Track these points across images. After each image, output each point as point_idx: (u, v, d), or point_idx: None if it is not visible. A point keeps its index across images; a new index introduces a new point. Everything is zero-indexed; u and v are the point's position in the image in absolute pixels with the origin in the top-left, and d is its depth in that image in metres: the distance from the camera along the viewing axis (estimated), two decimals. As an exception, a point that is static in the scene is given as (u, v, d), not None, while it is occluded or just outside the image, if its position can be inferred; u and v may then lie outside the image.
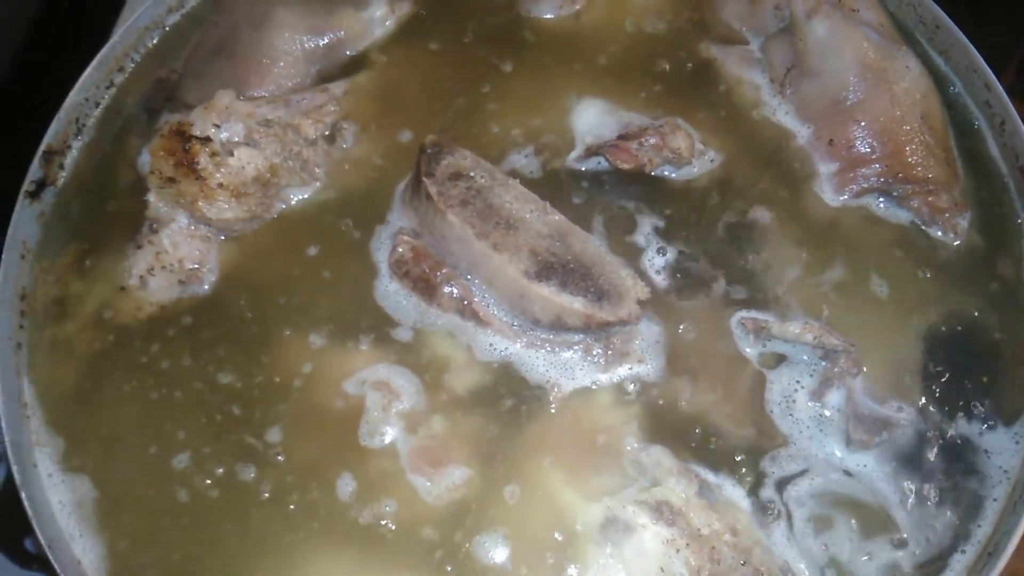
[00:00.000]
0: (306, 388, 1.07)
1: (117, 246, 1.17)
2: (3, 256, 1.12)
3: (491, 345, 1.08)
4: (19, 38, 1.62)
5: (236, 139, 1.12)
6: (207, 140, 1.11)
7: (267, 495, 1.02)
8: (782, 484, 1.01)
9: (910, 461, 1.02)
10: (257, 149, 1.13)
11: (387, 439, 1.04)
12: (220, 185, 1.11)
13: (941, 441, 1.03)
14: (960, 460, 1.03)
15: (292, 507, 1.01)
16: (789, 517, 1.00)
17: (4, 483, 1.33)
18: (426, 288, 1.10)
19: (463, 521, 1.00)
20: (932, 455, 1.02)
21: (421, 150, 1.12)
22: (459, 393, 1.07)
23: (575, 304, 1.04)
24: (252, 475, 1.03)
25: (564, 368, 1.07)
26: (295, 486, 1.02)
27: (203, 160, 1.10)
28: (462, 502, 1.02)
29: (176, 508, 1.02)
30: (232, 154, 1.12)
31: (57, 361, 1.12)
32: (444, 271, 1.09)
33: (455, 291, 1.09)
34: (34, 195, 1.17)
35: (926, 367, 1.06)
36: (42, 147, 1.20)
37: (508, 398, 1.06)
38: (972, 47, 1.20)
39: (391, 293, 1.12)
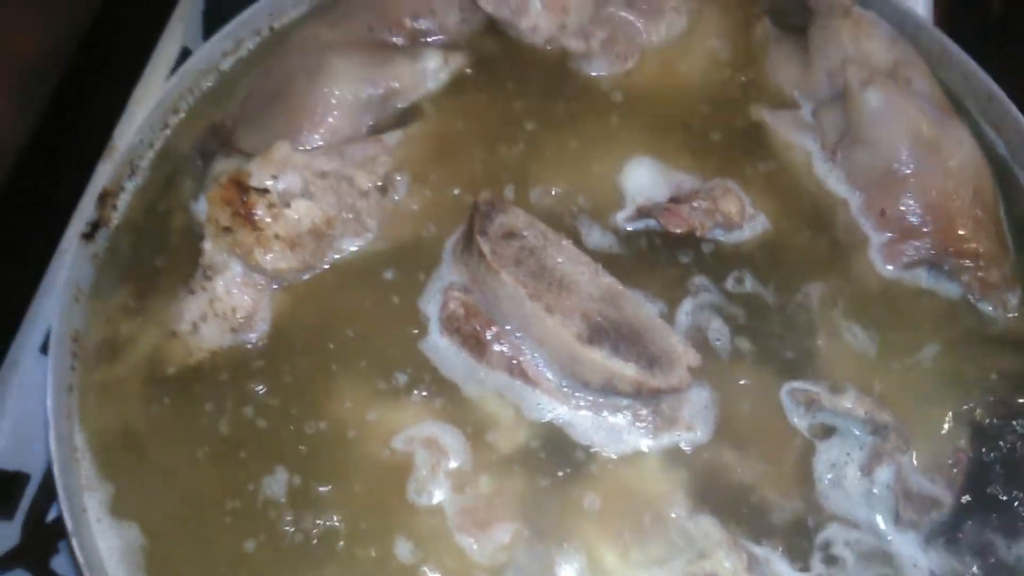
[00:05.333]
0: (356, 441, 1.08)
1: (168, 289, 1.18)
2: (58, 297, 1.12)
3: (539, 405, 1.09)
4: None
5: (293, 191, 1.13)
6: (265, 191, 1.12)
7: (321, 548, 1.02)
8: (830, 559, 1.01)
9: (959, 542, 1.02)
10: (313, 201, 1.14)
11: (435, 498, 1.04)
12: (276, 236, 1.12)
13: (989, 522, 1.02)
14: (1010, 543, 1.02)
15: (347, 561, 1.01)
16: (836, 593, 1.00)
17: (30, 508, 1.34)
18: (476, 345, 1.11)
19: (509, 585, 1.00)
20: (980, 537, 1.02)
21: (475, 207, 1.13)
22: (506, 453, 1.07)
23: (627, 370, 1.04)
24: (304, 527, 1.04)
25: (612, 432, 1.07)
26: (348, 540, 1.03)
27: (261, 211, 1.11)
28: (507, 564, 1.02)
29: (227, 558, 1.02)
30: (289, 206, 1.12)
31: (107, 404, 1.12)
32: (495, 329, 1.10)
33: (505, 349, 1.09)
34: (88, 236, 1.18)
35: (974, 446, 1.06)
36: (98, 189, 1.21)
37: (554, 460, 1.07)
38: (1024, 120, 1.20)
39: (441, 348, 1.12)
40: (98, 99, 1.63)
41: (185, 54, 1.60)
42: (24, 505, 1.35)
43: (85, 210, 1.19)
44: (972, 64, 1.25)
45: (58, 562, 1.29)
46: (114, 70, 1.66)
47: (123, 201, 1.24)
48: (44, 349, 1.26)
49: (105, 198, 1.21)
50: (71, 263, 1.15)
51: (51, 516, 1.32)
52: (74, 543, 1.00)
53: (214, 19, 1.61)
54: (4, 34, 1.53)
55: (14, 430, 1.38)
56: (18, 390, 1.40)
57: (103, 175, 1.22)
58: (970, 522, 1.02)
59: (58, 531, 1.26)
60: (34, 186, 1.55)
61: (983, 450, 1.06)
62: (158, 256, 1.21)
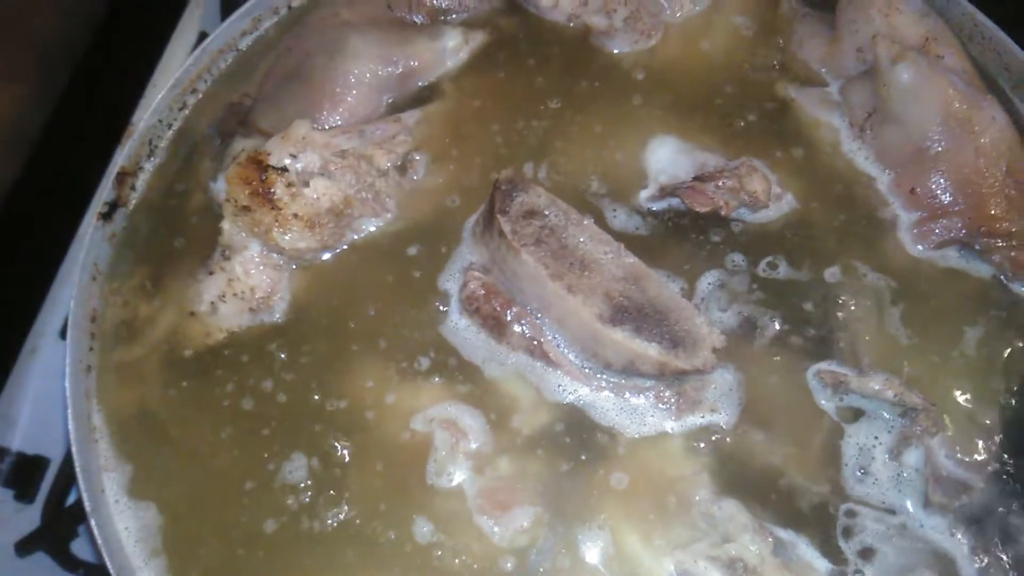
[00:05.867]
0: (375, 421, 1.07)
1: (187, 269, 1.17)
2: (76, 278, 1.11)
3: (560, 386, 1.07)
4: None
5: (312, 170, 1.12)
6: (283, 170, 1.10)
7: (340, 529, 1.01)
8: (858, 544, 0.99)
9: (989, 526, 1.00)
10: (332, 180, 1.13)
11: (455, 480, 1.03)
12: (295, 215, 1.10)
13: (1020, 506, 1.00)
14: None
15: (366, 542, 1.01)
16: (864, 578, 0.98)
17: (50, 491, 1.34)
18: (496, 325, 1.09)
19: (532, 569, 0.99)
20: (1012, 522, 0.99)
21: (495, 186, 1.11)
22: (526, 434, 1.06)
23: (649, 351, 1.02)
24: (323, 508, 1.03)
25: (634, 413, 1.06)
26: (367, 522, 1.02)
27: (279, 190, 1.10)
28: (529, 547, 1.00)
29: (245, 539, 1.01)
30: (308, 185, 1.11)
31: (125, 385, 1.12)
32: (515, 309, 1.08)
33: (526, 330, 1.08)
34: (107, 216, 1.18)
35: (1006, 428, 1.03)
36: (116, 168, 1.20)
37: (576, 442, 1.05)
38: (1059, 98, 1.17)
39: (460, 329, 1.11)
40: (117, 82, 1.63)
41: (203, 37, 1.58)
42: (44, 489, 1.36)
43: (104, 191, 1.17)
44: (1006, 39, 1.22)
45: (78, 545, 1.30)
46: (133, 53, 1.65)
47: (141, 181, 1.23)
48: (63, 335, 1.26)
49: (123, 178, 1.21)
50: (89, 243, 1.14)
51: (71, 500, 1.33)
52: (92, 523, 1.00)
53: (232, 2, 1.59)
54: (24, 17, 1.53)
55: (34, 415, 1.39)
56: (39, 376, 1.40)
57: (122, 156, 1.20)
58: (1001, 507, 0.99)
59: (78, 515, 1.26)
60: (54, 169, 1.55)
61: (1014, 432, 1.03)
62: (176, 236, 1.20)
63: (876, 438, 1.03)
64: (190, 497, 1.06)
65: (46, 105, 1.58)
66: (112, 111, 1.58)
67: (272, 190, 1.10)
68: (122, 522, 1.04)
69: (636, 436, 1.05)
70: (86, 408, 1.09)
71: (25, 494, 1.36)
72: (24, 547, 1.31)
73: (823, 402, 1.06)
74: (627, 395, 1.06)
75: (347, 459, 1.05)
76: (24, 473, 1.37)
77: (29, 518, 1.34)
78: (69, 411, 1.05)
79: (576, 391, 1.07)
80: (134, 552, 1.02)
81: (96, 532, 1.00)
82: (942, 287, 1.12)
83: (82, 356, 1.11)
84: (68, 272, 1.46)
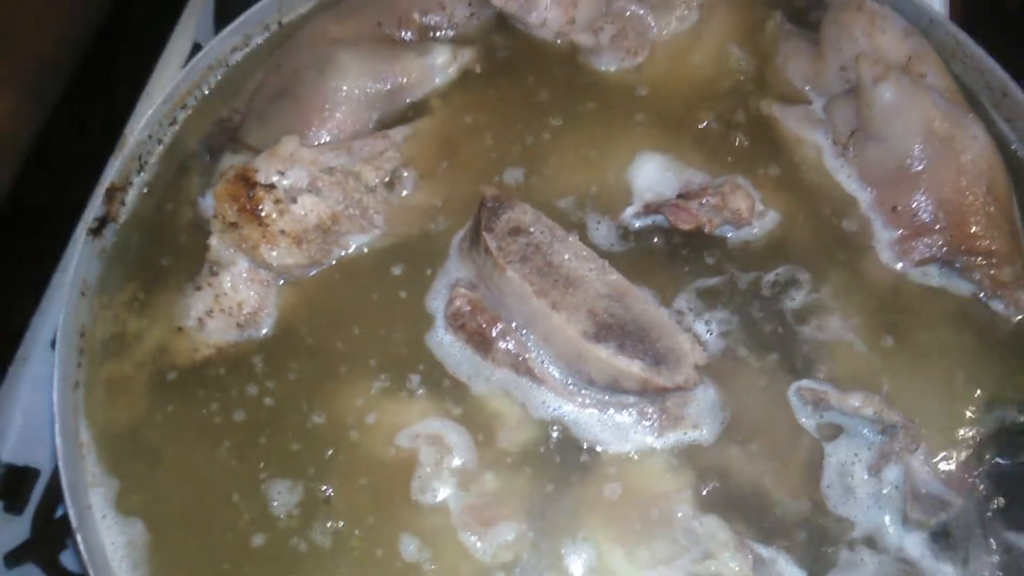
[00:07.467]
0: (360, 438, 1.08)
1: (176, 284, 1.18)
2: (65, 293, 1.12)
3: (544, 403, 1.08)
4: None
5: (300, 186, 1.13)
6: (271, 187, 1.11)
7: (326, 545, 1.02)
8: (837, 561, 1.00)
9: (966, 543, 1.01)
10: (320, 197, 1.14)
11: (439, 496, 1.04)
12: (282, 232, 1.11)
13: (999, 523, 1.01)
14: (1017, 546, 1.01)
15: (352, 558, 1.02)
16: (843, 594, 0.99)
17: (39, 503, 1.35)
18: (481, 342, 1.10)
19: (513, 583, 1.00)
20: (990, 538, 1.00)
21: (482, 204, 1.12)
22: (511, 450, 1.07)
23: (632, 368, 1.03)
24: (310, 523, 1.04)
25: (617, 430, 1.07)
26: (353, 537, 1.03)
27: (267, 207, 1.11)
28: (512, 563, 1.01)
29: (232, 554, 1.02)
30: (295, 201, 1.12)
31: (113, 400, 1.13)
32: (500, 326, 1.09)
33: (511, 346, 1.09)
34: (96, 232, 1.18)
35: (984, 446, 1.04)
36: (105, 184, 1.21)
37: (560, 458, 1.06)
38: (1039, 116, 1.18)
39: (446, 344, 1.12)
40: (111, 94, 1.63)
41: (197, 49, 1.60)
42: (34, 500, 1.36)
43: (95, 205, 1.18)
44: (987, 58, 1.23)
45: (67, 557, 1.30)
46: (126, 65, 1.66)
47: (131, 196, 1.24)
48: (55, 345, 1.26)
49: (113, 193, 1.21)
50: (78, 258, 1.15)
51: (60, 511, 1.33)
52: (79, 539, 1.01)
53: (226, 14, 1.61)
54: (18, 29, 1.53)
55: (24, 426, 1.39)
56: (29, 386, 1.41)
57: (112, 171, 1.21)
58: (978, 524, 1.01)
59: (67, 526, 1.25)
60: (47, 181, 1.56)
61: (993, 450, 1.04)
62: (165, 252, 1.21)
63: (856, 455, 1.04)
64: (177, 512, 1.06)
65: (41, 117, 1.58)
66: (105, 123, 1.59)
67: (260, 207, 1.11)
68: (109, 537, 1.05)
69: (620, 452, 1.06)
70: (74, 424, 1.10)
71: (14, 505, 1.37)
72: (13, 558, 1.31)
73: (804, 419, 1.07)
74: (611, 411, 1.07)
75: (333, 476, 1.06)
76: (14, 484, 1.37)
77: (19, 529, 1.34)
78: (57, 427, 1.06)
79: (560, 407, 1.08)
80: (120, 567, 1.03)
81: (82, 547, 1.01)
82: (922, 304, 1.13)
83: (71, 372, 1.12)
84: (60, 282, 1.47)
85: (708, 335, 1.11)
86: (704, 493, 1.03)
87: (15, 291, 1.49)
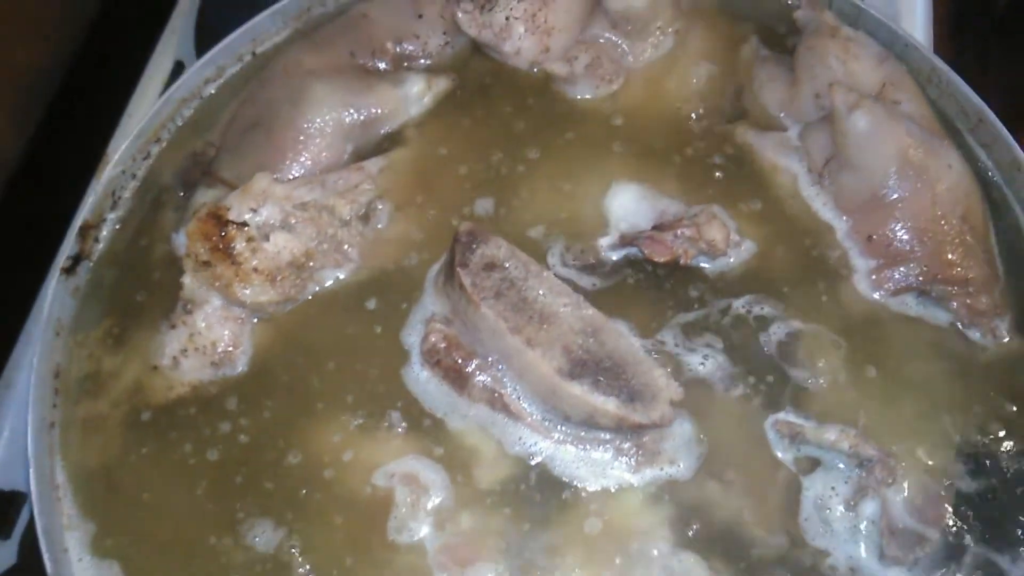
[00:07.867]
0: (336, 477, 1.07)
1: (151, 320, 1.18)
2: (39, 335, 1.12)
3: (521, 439, 1.08)
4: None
5: (272, 223, 1.13)
6: (243, 225, 1.11)
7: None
8: (814, 597, 1.00)
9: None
10: (293, 234, 1.13)
11: (415, 536, 1.03)
12: (255, 269, 1.11)
13: (976, 561, 1.01)
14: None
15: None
16: (820, 632, 0.98)
17: (26, 528, 1.33)
18: (457, 378, 1.10)
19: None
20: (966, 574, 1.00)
21: (455, 239, 1.12)
22: (487, 488, 1.06)
23: (607, 405, 1.03)
24: (286, 564, 1.03)
25: (594, 466, 1.06)
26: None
27: (239, 245, 1.10)
28: (489, 604, 1.01)
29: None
30: (268, 239, 1.12)
31: (89, 440, 1.12)
32: (476, 361, 1.09)
33: (487, 382, 1.09)
34: (70, 271, 1.18)
35: (963, 479, 1.04)
36: (79, 222, 1.20)
37: (537, 495, 1.06)
38: (1014, 142, 1.18)
39: (422, 380, 1.11)
40: (92, 113, 1.62)
41: (179, 67, 1.59)
42: (21, 525, 1.34)
43: (71, 237, 1.18)
44: (962, 84, 1.23)
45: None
46: (108, 84, 1.65)
47: (105, 233, 1.23)
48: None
49: (86, 231, 1.21)
50: (52, 297, 1.14)
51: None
52: (54, 584, 1.00)
53: (207, 33, 1.60)
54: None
55: (10, 449, 1.37)
56: (13, 411, 1.39)
57: (85, 208, 1.20)
58: (954, 560, 1.00)
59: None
60: (31, 198, 1.55)
61: (970, 484, 1.04)
62: (140, 288, 1.21)
63: (833, 488, 1.04)
64: (154, 554, 1.06)
65: (23, 138, 1.57)
66: (88, 142, 1.57)
67: (232, 245, 1.10)
68: (85, 582, 1.04)
69: (597, 489, 1.06)
70: (50, 466, 1.09)
71: (1, 530, 1.35)
72: (0, 584, 1.31)
73: (780, 453, 1.06)
74: (587, 448, 1.07)
75: (310, 516, 1.05)
76: (0, 509, 1.36)
77: (5, 555, 1.33)
78: (31, 471, 1.05)
79: (537, 444, 1.08)
80: (97, 613, 1.02)
81: (57, 594, 1.00)
82: (899, 334, 1.13)
83: (45, 413, 1.11)
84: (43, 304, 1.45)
85: (684, 368, 1.10)
86: (681, 529, 1.03)
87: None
